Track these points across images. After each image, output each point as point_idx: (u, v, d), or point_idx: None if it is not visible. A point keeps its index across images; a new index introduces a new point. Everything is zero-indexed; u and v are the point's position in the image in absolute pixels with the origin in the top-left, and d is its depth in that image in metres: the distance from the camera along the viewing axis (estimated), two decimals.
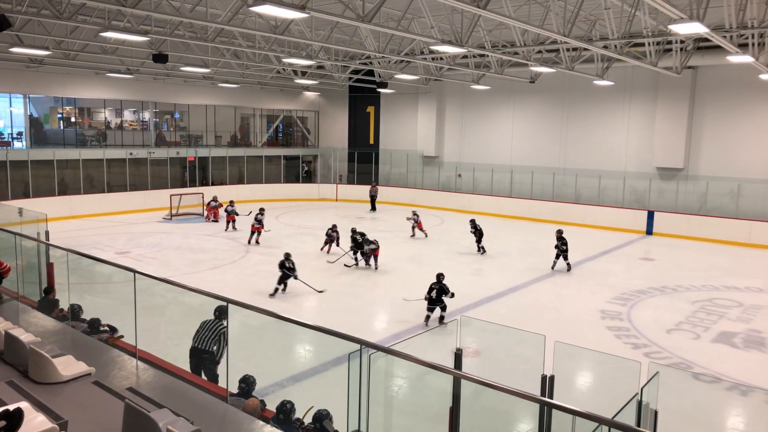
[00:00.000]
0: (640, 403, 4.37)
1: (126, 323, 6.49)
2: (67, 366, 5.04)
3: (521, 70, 22.60)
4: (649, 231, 22.56)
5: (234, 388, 5.86)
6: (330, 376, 8.69)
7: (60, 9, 13.08)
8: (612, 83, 21.71)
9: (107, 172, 25.09)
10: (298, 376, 9.14)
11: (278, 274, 13.45)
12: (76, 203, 23.38)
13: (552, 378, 4.79)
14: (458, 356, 5.49)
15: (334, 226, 17.68)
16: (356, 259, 16.26)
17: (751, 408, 9.18)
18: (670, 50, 19.24)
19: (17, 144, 24.72)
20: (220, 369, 6.66)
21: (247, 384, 6.00)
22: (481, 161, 28.20)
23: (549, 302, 13.73)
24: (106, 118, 28.75)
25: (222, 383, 6.00)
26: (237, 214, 21.41)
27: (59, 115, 27.45)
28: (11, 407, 3.66)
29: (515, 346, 8.79)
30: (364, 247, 16.17)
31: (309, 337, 9.53)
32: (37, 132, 26.24)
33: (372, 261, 16.11)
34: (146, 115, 29.27)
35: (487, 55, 19.73)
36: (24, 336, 5.51)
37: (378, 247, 16.05)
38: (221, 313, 6.87)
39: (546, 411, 4.11)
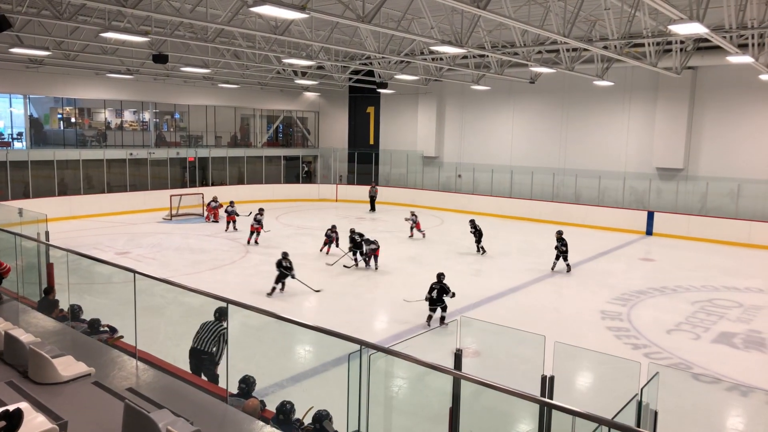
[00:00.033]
0: (639, 403, 4.37)
1: (126, 324, 6.49)
2: (67, 366, 5.04)
3: (521, 71, 22.61)
4: (649, 231, 22.57)
5: (234, 389, 5.86)
6: (330, 377, 8.69)
7: (60, 9, 13.09)
8: (612, 84, 21.72)
9: (107, 173, 25.09)
10: (298, 377, 9.14)
11: (276, 273, 13.48)
12: (76, 204, 23.38)
13: (552, 378, 4.79)
14: (458, 357, 5.49)
15: (334, 226, 17.68)
16: (356, 260, 16.26)
17: (751, 408, 9.18)
18: (669, 51, 19.25)
19: (17, 144, 24.73)
20: (220, 369, 6.66)
21: (246, 384, 6.00)
22: (481, 161, 28.21)
23: (549, 303, 13.73)
24: (106, 118, 28.76)
25: (222, 384, 6.00)
26: (237, 215, 21.42)
27: (59, 116, 27.46)
28: (11, 407, 3.66)
29: (515, 346, 8.79)
30: (363, 247, 16.17)
31: (309, 338, 9.54)
32: (37, 132, 26.25)
33: (372, 261, 16.11)
34: (146, 116, 29.29)
35: (487, 56, 19.73)
36: (24, 336, 5.51)
37: (378, 247, 16.06)
38: (221, 314, 6.87)
39: (546, 411, 4.11)
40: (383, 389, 5.12)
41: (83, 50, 19.36)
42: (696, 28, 11.38)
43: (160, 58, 17.30)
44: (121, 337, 7.10)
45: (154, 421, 3.75)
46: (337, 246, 17.38)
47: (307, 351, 10.13)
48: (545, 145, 26.54)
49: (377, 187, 28.37)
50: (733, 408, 9.29)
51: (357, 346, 4.38)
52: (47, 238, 11.55)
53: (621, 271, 16.80)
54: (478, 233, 18.21)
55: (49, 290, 8.78)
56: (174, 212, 24.03)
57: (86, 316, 7.77)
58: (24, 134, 24.78)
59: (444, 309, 11.68)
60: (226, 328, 6.16)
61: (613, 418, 3.49)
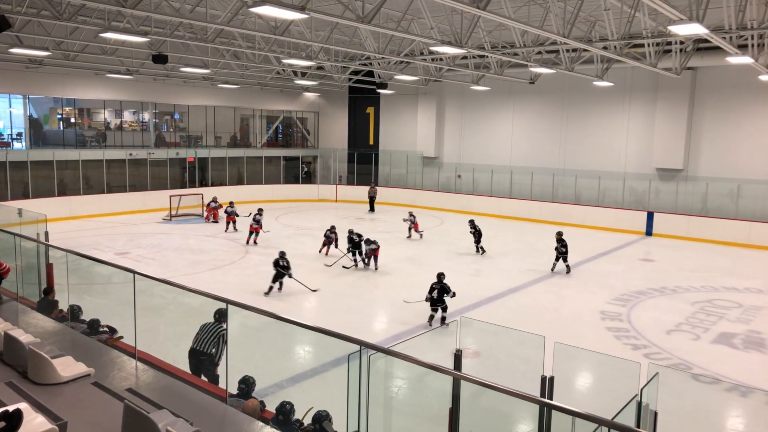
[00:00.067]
0: (639, 404, 4.36)
1: (125, 324, 6.49)
2: (67, 367, 5.04)
3: (521, 71, 22.61)
4: (649, 232, 22.57)
5: (233, 389, 5.86)
6: (330, 377, 8.69)
7: (60, 10, 13.09)
8: (611, 84, 21.72)
9: (107, 173, 25.08)
10: (297, 377, 9.13)
11: (273, 272, 13.52)
12: (76, 204, 23.37)
13: (552, 379, 4.79)
14: (458, 357, 5.49)
15: (333, 227, 17.66)
16: (355, 260, 16.24)
17: (751, 409, 9.18)
18: (669, 51, 19.25)
19: (17, 145, 24.71)
20: (220, 370, 6.66)
21: (246, 385, 6.00)
22: (481, 162, 28.21)
23: (549, 303, 13.73)
24: (105, 118, 28.75)
25: (222, 384, 6.00)
26: (237, 215, 21.41)
27: (59, 116, 27.44)
28: (11, 408, 3.66)
29: (515, 347, 8.79)
30: (361, 247, 16.18)
31: (309, 338, 9.53)
32: (37, 133, 26.23)
33: (372, 261, 16.10)
34: (146, 116, 29.28)
35: (487, 56, 19.73)
36: (23, 337, 5.51)
37: (378, 247, 16.06)
38: (221, 315, 6.86)
39: (546, 412, 4.10)
40: (383, 390, 5.12)
41: (83, 50, 19.36)
42: (696, 29, 11.38)
43: (160, 59, 17.30)
44: (121, 337, 7.10)
45: (153, 422, 3.75)
46: (336, 247, 17.37)
47: (306, 351, 10.13)
48: (545, 145, 26.54)
49: (377, 187, 28.38)
50: (732, 408, 9.29)
51: (357, 347, 4.38)
52: (47, 239, 11.55)
53: (621, 271, 16.80)
54: (477, 233, 18.21)
55: (49, 290, 8.78)
56: (173, 213, 24.02)
57: (86, 316, 7.77)
58: (23, 134, 24.77)
59: (444, 309, 11.68)
60: (226, 329, 6.15)
61: (612, 418, 3.49)
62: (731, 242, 20.75)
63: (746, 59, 15.26)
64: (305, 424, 5.55)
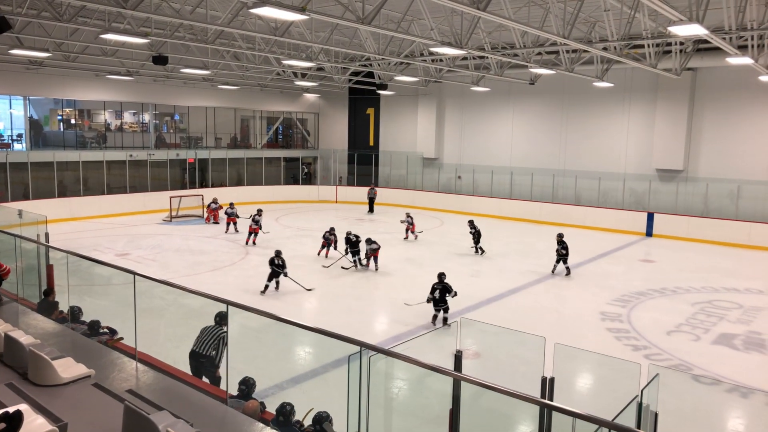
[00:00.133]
0: (640, 404, 4.36)
1: (126, 325, 6.49)
2: (67, 368, 5.05)
3: (521, 72, 22.61)
4: (649, 233, 22.57)
5: (234, 390, 5.86)
6: (330, 378, 8.69)
7: (60, 11, 13.10)
8: (611, 85, 21.73)
9: (107, 174, 25.09)
10: (297, 378, 9.13)
11: (268, 271, 13.64)
12: (76, 205, 23.38)
13: (552, 380, 4.79)
14: (458, 358, 5.49)
15: (332, 229, 17.63)
16: (354, 261, 16.24)
17: (752, 410, 9.17)
18: (669, 52, 19.25)
19: (17, 146, 24.72)
20: (221, 372, 6.65)
21: (246, 386, 5.99)
22: (481, 163, 28.22)
23: (549, 304, 13.73)
24: (106, 119, 28.77)
25: (222, 385, 6.00)
26: (238, 216, 21.41)
27: (59, 117, 27.46)
28: (11, 409, 3.66)
29: (515, 347, 8.80)
30: (359, 247, 16.20)
31: (309, 339, 9.53)
32: (37, 134, 26.24)
33: (372, 262, 16.10)
34: (146, 117, 29.29)
35: (487, 57, 19.74)
36: (24, 338, 5.51)
37: (379, 247, 16.06)
38: (221, 319, 6.86)
39: (546, 413, 4.10)
40: (383, 391, 5.12)
41: (83, 52, 19.38)
42: (695, 30, 11.39)
43: (160, 60, 17.31)
44: (121, 338, 7.09)
45: (154, 423, 3.76)
46: (335, 249, 17.36)
47: (307, 352, 10.13)
48: (545, 146, 26.55)
49: (376, 188, 28.37)
50: (733, 409, 9.29)
51: (357, 348, 4.38)
52: (47, 240, 11.54)
53: (621, 272, 16.80)
54: (476, 234, 18.21)
55: (49, 292, 8.77)
56: (174, 214, 24.03)
57: (86, 317, 7.76)
58: (24, 136, 24.78)
59: (446, 310, 11.69)
60: (226, 332, 6.16)
61: (613, 419, 3.49)
62: (731, 243, 20.75)
63: (746, 60, 15.26)
64: (305, 426, 5.55)
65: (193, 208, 24.61)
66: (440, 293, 11.63)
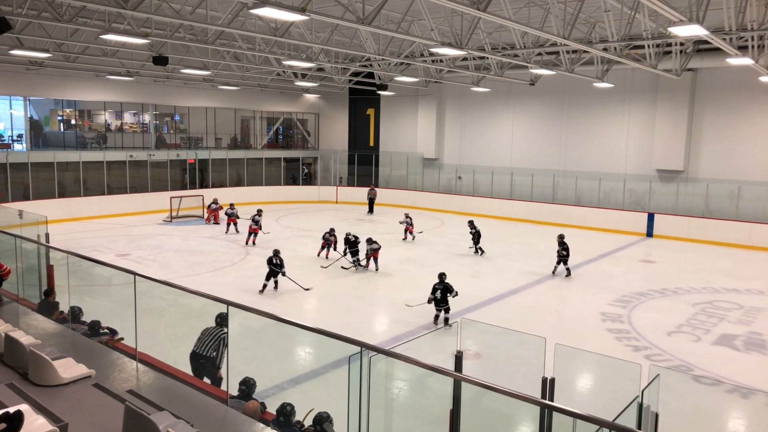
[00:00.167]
0: (640, 405, 4.36)
1: (126, 326, 6.49)
2: (67, 368, 5.05)
3: (521, 73, 22.62)
4: (650, 233, 22.57)
5: (234, 391, 5.86)
6: (330, 379, 8.68)
7: (60, 11, 13.10)
8: (612, 85, 21.73)
9: (107, 175, 25.10)
10: (298, 379, 9.13)
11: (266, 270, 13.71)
12: (76, 205, 23.38)
13: (553, 380, 4.79)
14: (459, 359, 5.48)
15: (332, 230, 17.61)
16: (353, 261, 16.24)
17: (752, 410, 9.16)
18: (669, 52, 19.26)
19: (17, 146, 24.74)
20: (222, 373, 6.65)
21: (247, 386, 5.99)
22: (481, 163, 28.22)
23: (549, 304, 13.73)
24: (106, 120, 28.79)
25: (223, 386, 5.99)
26: (238, 217, 21.41)
27: (59, 118, 27.48)
28: (11, 410, 3.66)
29: (516, 348, 8.79)
30: (358, 248, 16.20)
31: (309, 340, 9.53)
32: (37, 134, 26.26)
33: (372, 262, 16.10)
34: (146, 118, 29.30)
35: (487, 58, 19.74)
36: (24, 338, 5.51)
37: (380, 247, 16.06)
38: (222, 320, 6.86)
39: (547, 414, 4.10)
40: (384, 391, 5.11)
41: (83, 52, 19.38)
42: (696, 30, 11.39)
43: (161, 60, 17.31)
44: (122, 339, 7.09)
45: (154, 423, 3.76)
46: (335, 249, 17.35)
47: (307, 353, 10.13)
48: (545, 146, 26.55)
49: (376, 189, 28.37)
50: (734, 410, 9.28)
51: (357, 348, 4.38)
52: (47, 240, 11.53)
53: (621, 273, 16.80)
54: (476, 234, 18.21)
55: (50, 292, 8.77)
56: (174, 214, 24.03)
57: (86, 318, 7.76)
58: (24, 136, 24.79)
59: (447, 310, 11.69)
60: (227, 333, 6.16)
61: (614, 420, 3.48)
62: (732, 243, 20.74)
63: (746, 60, 15.27)
64: (306, 426, 5.55)
65: (193, 209, 24.61)
66: (441, 293, 11.64)
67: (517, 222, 25.35)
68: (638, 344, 10.98)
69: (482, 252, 18.22)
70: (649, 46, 17.56)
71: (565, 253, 15.78)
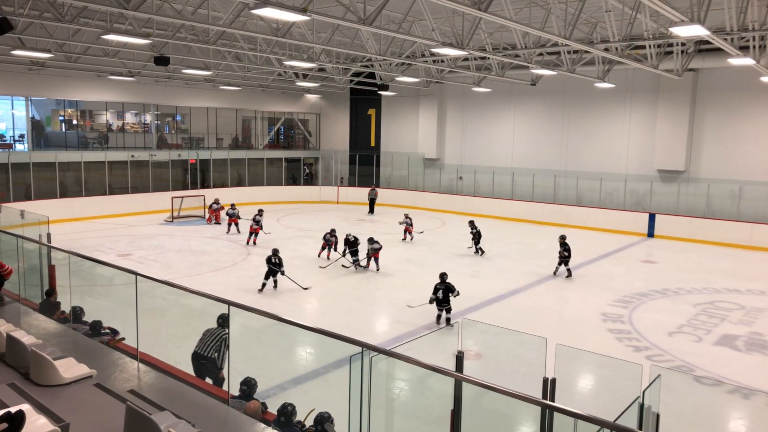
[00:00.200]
0: (641, 406, 4.36)
1: (127, 326, 6.49)
2: (69, 368, 5.05)
3: (522, 73, 22.61)
4: (651, 233, 22.55)
5: (235, 391, 5.86)
6: (331, 379, 8.68)
7: (62, 12, 13.12)
8: (613, 86, 21.71)
9: (109, 175, 25.12)
10: (299, 379, 9.13)
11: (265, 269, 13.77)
12: (78, 205, 23.40)
13: (554, 381, 4.79)
14: (459, 359, 5.48)
15: (333, 230, 17.60)
16: (353, 262, 16.24)
17: (753, 411, 9.15)
18: (670, 53, 19.24)
19: (19, 146, 24.76)
20: (225, 374, 6.66)
21: (248, 386, 6.00)
22: (483, 163, 28.22)
23: (550, 305, 13.72)
24: (107, 120, 28.82)
25: (224, 386, 6.00)
26: (239, 218, 21.42)
27: (61, 118, 27.51)
28: (13, 409, 3.67)
29: (517, 348, 8.79)
30: (357, 248, 16.20)
31: (310, 340, 9.53)
32: (39, 134, 26.29)
33: (373, 263, 16.11)
34: (148, 118, 29.32)
35: (488, 58, 19.74)
36: (25, 338, 5.52)
37: (381, 247, 16.07)
38: (224, 321, 6.86)
39: (548, 414, 4.10)
40: (384, 391, 5.12)
41: (85, 52, 19.41)
42: (697, 31, 11.39)
43: (162, 61, 17.33)
44: (123, 339, 7.10)
45: (155, 423, 3.76)
46: (335, 250, 17.34)
47: (308, 353, 10.13)
48: (546, 147, 26.54)
49: (377, 189, 28.37)
50: (735, 410, 9.27)
51: (358, 348, 4.38)
52: (49, 240, 11.54)
53: (622, 273, 16.78)
54: (477, 234, 18.20)
55: (51, 292, 8.79)
56: (176, 214, 24.05)
57: (88, 318, 7.78)
58: (26, 136, 24.81)
59: (448, 310, 11.70)
60: (228, 333, 6.17)
61: (615, 420, 3.49)
62: (733, 244, 20.72)
63: (747, 61, 15.25)
64: (307, 426, 5.56)
65: (194, 209, 24.63)
66: (443, 293, 11.65)
67: (517, 222, 25.35)
68: (639, 344, 10.97)
69: (482, 252, 18.21)
70: (650, 47, 17.55)
71: (566, 254, 15.76)
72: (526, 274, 16.09)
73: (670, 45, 18.85)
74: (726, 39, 13.68)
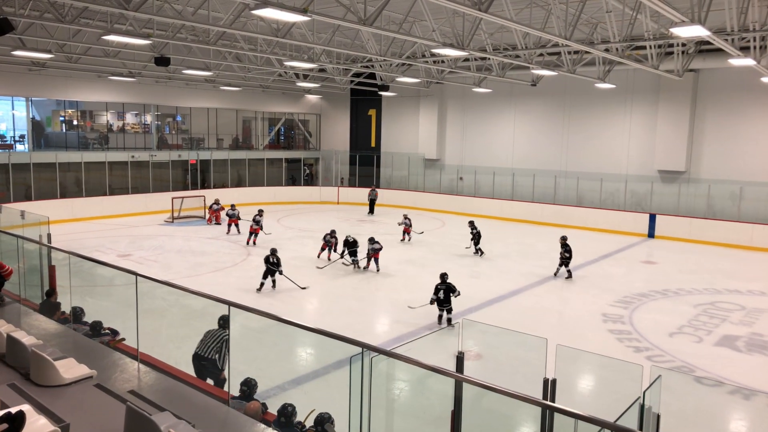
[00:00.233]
0: (642, 406, 4.35)
1: (127, 326, 6.49)
2: (69, 369, 5.05)
3: (523, 73, 22.62)
4: (651, 234, 22.54)
5: (235, 391, 5.86)
6: (331, 379, 8.68)
7: (62, 12, 13.13)
8: (613, 86, 21.71)
9: (109, 175, 25.13)
10: (299, 379, 9.13)
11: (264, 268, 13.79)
12: (78, 206, 23.41)
13: (554, 381, 4.79)
14: (460, 359, 5.48)
15: (333, 231, 17.58)
16: (352, 262, 16.24)
17: (754, 411, 9.14)
18: (671, 53, 19.25)
19: (19, 147, 24.79)
20: (226, 375, 6.65)
21: (248, 387, 6.00)
22: (483, 164, 28.22)
23: (551, 305, 13.72)
24: (108, 120, 28.83)
25: (224, 387, 6.00)
26: (239, 218, 21.42)
27: (61, 118, 27.53)
28: (13, 410, 3.67)
29: (517, 349, 8.78)
30: (356, 248, 16.20)
31: (310, 340, 9.52)
32: (39, 135, 26.31)
33: (373, 263, 16.11)
34: (148, 118, 29.34)
35: (489, 58, 19.74)
36: (26, 339, 5.52)
37: (381, 248, 16.07)
38: (225, 322, 6.86)
39: (548, 414, 4.10)
40: (385, 392, 5.11)
41: (85, 53, 19.42)
42: (697, 31, 11.38)
43: (162, 61, 17.34)
44: (123, 339, 7.10)
45: (155, 424, 3.76)
46: (335, 251, 17.34)
47: (308, 354, 10.12)
48: (547, 147, 26.54)
49: (377, 190, 28.37)
50: (735, 411, 9.26)
51: (359, 349, 4.38)
52: (49, 241, 11.55)
53: (623, 273, 16.78)
54: (477, 234, 18.19)
55: (51, 293, 8.78)
56: (176, 215, 24.06)
57: (88, 318, 7.77)
58: (26, 137, 24.83)
59: (449, 311, 11.70)
60: (228, 334, 6.16)
61: (615, 421, 3.48)
62: (734, 244, 20.71)
63: (748, 61, 15.25)
64: (307, 427, 5.55)
65: (194, 209, 24.63)
66: (444, 293, 11.64)
67: (518, 223, 25.34)
68: (640, 345, 10.96)
69: (481, 253, 18.20)
70: (650, 47, 17.55)
71: (567, 255, 15.74)
72: (526, 275, 16.08)
73: (671, 45, 18.85)
74: (726, 39, 13.68)
